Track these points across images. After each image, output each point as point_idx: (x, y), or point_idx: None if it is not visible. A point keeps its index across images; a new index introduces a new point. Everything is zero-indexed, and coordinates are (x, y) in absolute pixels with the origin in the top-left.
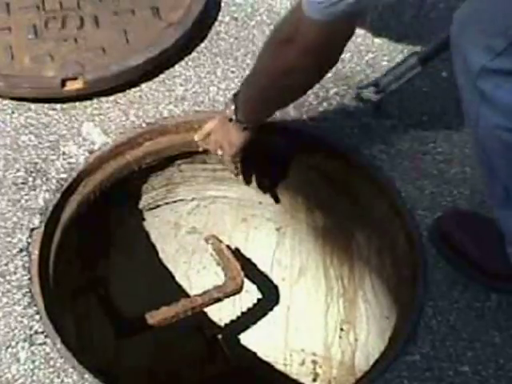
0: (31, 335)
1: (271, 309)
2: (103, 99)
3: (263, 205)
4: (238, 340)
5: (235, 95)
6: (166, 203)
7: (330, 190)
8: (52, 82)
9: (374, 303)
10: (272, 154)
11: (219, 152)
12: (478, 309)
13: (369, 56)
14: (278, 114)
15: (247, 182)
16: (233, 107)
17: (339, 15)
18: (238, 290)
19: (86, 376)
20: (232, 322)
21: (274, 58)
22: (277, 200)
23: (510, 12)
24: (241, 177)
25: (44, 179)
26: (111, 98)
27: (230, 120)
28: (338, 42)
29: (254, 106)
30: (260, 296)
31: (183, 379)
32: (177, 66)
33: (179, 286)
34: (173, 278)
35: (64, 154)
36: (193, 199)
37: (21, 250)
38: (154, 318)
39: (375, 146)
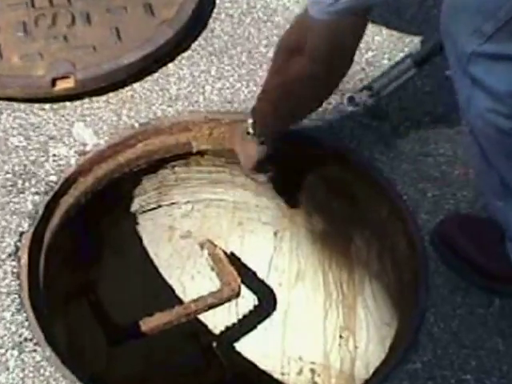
0: (20, 342)
1: (268, 315)
2: (95, 99)
3: (260, 208)
4: (234, 347)
5: (253, 108)
6: (160, 206)
7: (329, 192)
8: (42, 82)
9: (374, 309)
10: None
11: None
12: (480, 315)
13: (369, 54)
14: None
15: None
16: (250, 121)
17: (343, 12)
18: (234, 296)
19: None
20: (227, 328)
21: (283, 69)
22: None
23: None
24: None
25: (33, 182)
26: (103, 97)
27: (248, 133)
28: (346, 42)
29: (268, 120)
30: (256, 302)
31: None
32: (170, 65)
33: (173, 292)
34: (166, 283)
35: (54, 155)
36: (187, 202)
37: (9, 255)
38: (147, 324)
39: (375, 148)
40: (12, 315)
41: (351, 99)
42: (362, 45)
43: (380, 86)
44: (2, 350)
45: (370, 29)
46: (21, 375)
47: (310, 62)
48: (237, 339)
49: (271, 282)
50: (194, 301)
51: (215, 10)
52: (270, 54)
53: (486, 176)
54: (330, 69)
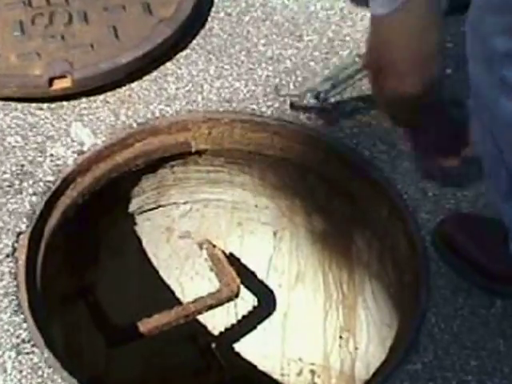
0: (18, 344)
1: (267, 316)
2: (92, 98)
3: (259, 208)
4: (233, 349)
5: None
6: (158, 206)
7: (329, 192)
8: (39, 81)
9: (375, 310)
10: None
11: None
12: (482, 316)
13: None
14: (274, 115)
15: None
16: None
17: None
18: (233, 297)
19: None
20: (227, 330)
21: (379, 99)
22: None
23: None
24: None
25: (31, 182)
26: (100, 97)
27: None
28: (424, 28)
29: None
30: (256, 303)
31: None
32: (169, 64)
33: (172, 293)
34: (165, 284)
35: (52, 155)
36: (186, 202)
37: (7, 256)
38: (145, 326)
39: (375, 147)
40: (9, 317)
41: (292, 105)
42: (361, 43)
43: (327, 88)
44: (0, 352)
45: (367, 29)
46: (18, 377)
47: (392, 81)
48: (236, 340)
49: (271, 282)
50: (193, 302)
51: (213, 9)
52: (269, 53)
53: (494, 177)
54: (418, 73)
